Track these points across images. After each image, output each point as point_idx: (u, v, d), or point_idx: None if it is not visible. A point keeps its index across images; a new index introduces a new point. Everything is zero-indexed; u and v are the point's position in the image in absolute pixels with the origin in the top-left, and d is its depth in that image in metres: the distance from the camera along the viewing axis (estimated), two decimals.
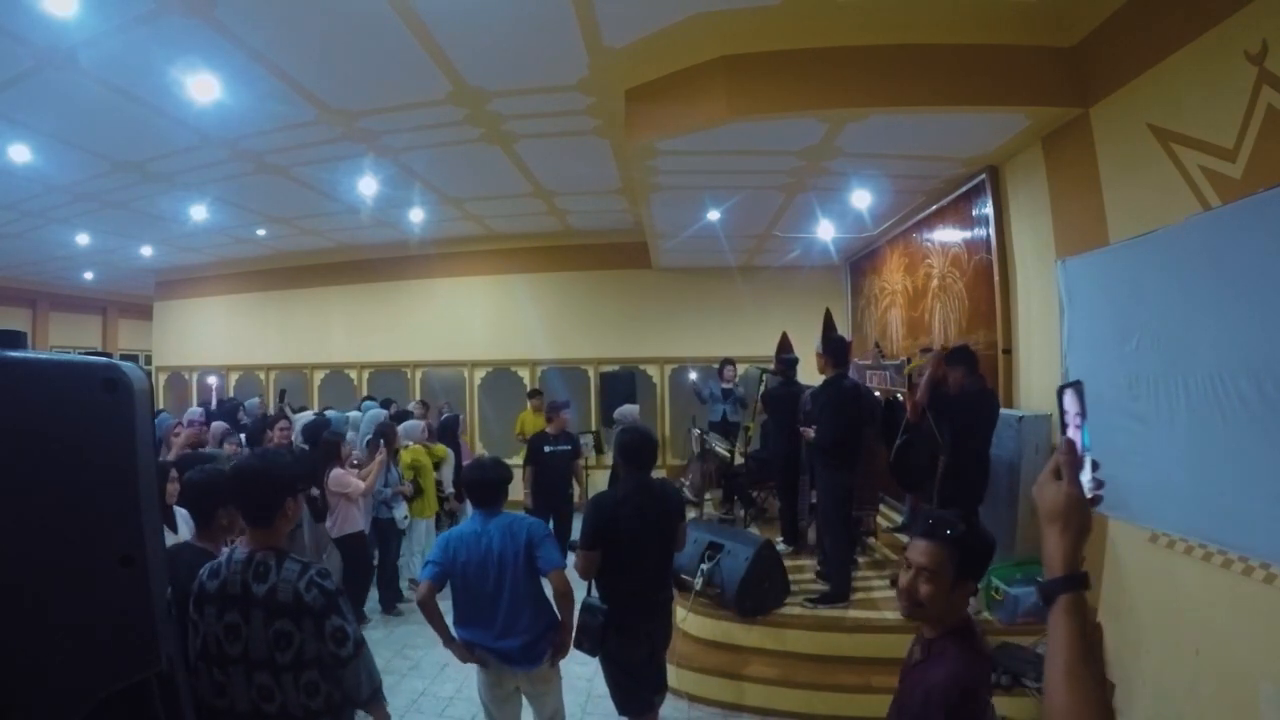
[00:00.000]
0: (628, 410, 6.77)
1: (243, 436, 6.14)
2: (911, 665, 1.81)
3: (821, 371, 4.80)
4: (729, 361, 8.12)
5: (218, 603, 2.02)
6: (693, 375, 9.28)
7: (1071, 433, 1.08)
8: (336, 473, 5.20)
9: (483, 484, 3.06)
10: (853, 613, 4.54)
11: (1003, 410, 4.82)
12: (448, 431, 7.53)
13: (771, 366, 6.51)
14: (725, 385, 8.00)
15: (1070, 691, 0.90)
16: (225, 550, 2.16)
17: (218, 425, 6.10)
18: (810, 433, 4.89)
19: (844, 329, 8.46)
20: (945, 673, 1.65)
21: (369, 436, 5.79)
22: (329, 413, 7.40)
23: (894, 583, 4.98)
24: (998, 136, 4.68)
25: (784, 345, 6.44)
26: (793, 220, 7.22)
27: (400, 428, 6.24)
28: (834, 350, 4.76)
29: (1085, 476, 1.01)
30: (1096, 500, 1.00)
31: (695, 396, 8.45)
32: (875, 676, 4.02)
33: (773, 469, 6.21)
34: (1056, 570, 0.97)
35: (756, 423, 7.49)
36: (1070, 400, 1.13)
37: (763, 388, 6.45)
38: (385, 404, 8.15)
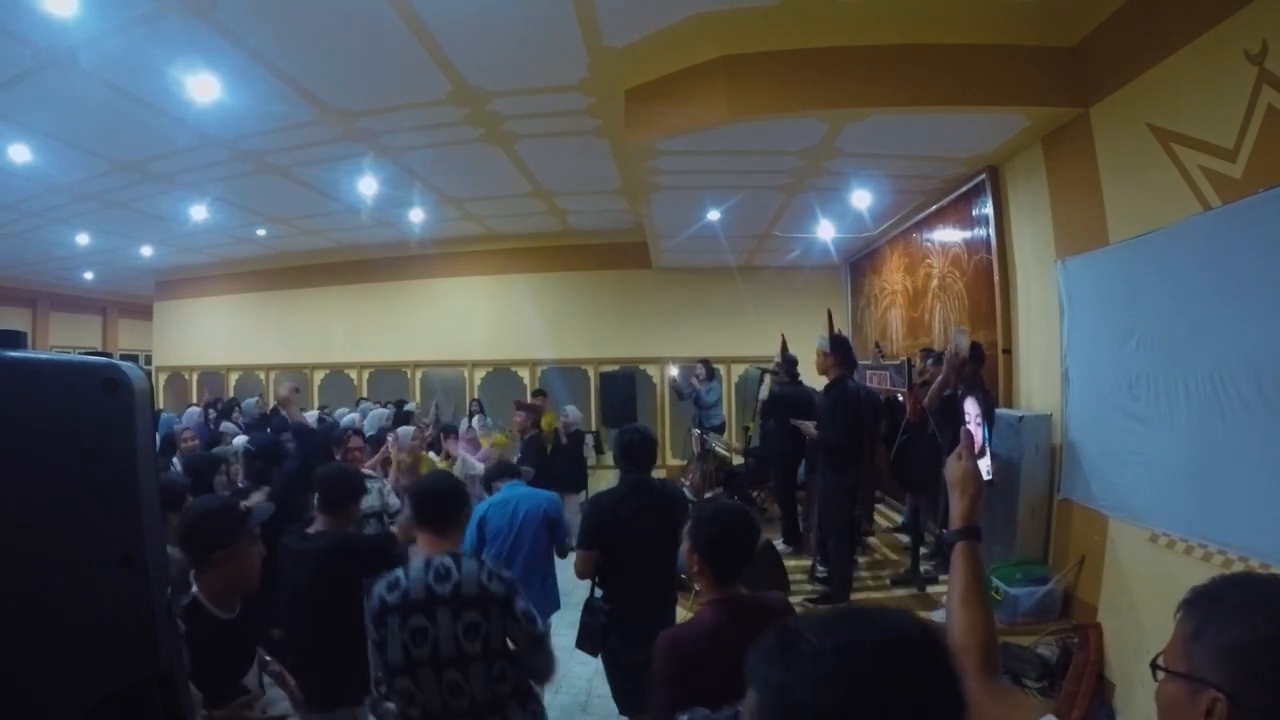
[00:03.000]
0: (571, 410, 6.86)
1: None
2: None
3: (823, 372, 4.80)
4: (704, 362, 7.92)
5: (401, 611, 2.04)
6: (674, 372, 9.00)
7: (973, 428, 1.51)
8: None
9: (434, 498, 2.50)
10: None
11: (1003, 410, 4.82)
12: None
13: (772, 367, 6.51)
14: (697, 386, 7.73)
15: (962, 613, 1.19)
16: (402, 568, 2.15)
17: (228, 426, 6.12)
18: (812, 427, 4.89)
19: (844, 329, 8.45)
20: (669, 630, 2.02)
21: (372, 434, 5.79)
22: (339, 414, 7.39)
23: (895, 582, 5.02)
24: (998, 136, 4.68)
25: (784, 347, 6.43)
26: (793, 220, 7.22)
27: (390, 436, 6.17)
28: (841, 352, 4.76)
29: (985, 463, 1.44)
30: (991, 482, 1.53)
31: (675, 394, 8.34)
32: None
33: (773, 469, 6.21)
34: (957, 523, 1.28)
35: (756, 423, 7.50)
36: (971, 404, 1.73)
37: (765, 389, 6.45)
38: (399, 404, 8.13)
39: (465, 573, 2.09)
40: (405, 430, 6.32)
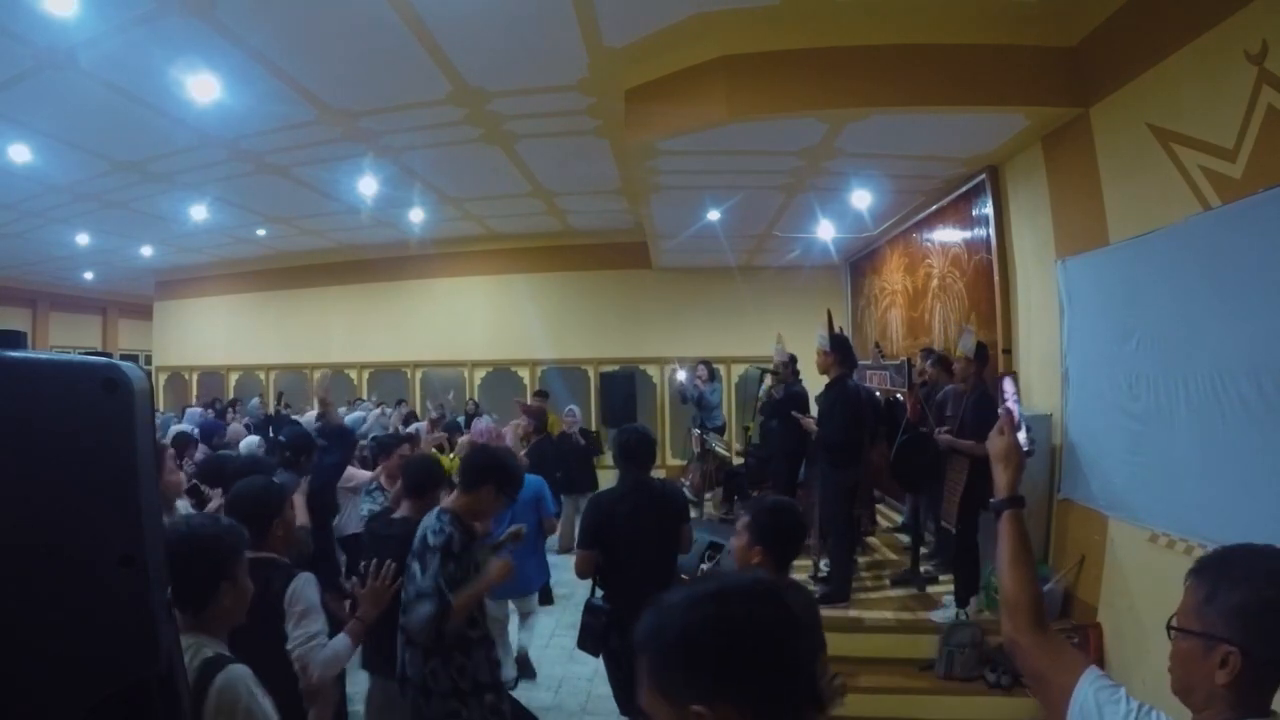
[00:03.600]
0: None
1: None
2: None
3: (824, 371, 4.80)
4: (705, 363, 7.86)
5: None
6: (680, 375, 8.72)
7: (1011, 405, 1.58)
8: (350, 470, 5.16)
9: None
10: (852, 612, 4.54)
11: None
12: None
13: (772, 366, 6.50)
14: (700, 387, 7.65)
15: (1013, 573, 1.31)
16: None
17: (236, 429, 6.13)
18: (812, 422, 4.89)
19: (844, 329, 8.43)
20: None
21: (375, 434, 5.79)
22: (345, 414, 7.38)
23: (895, 582, 5.02)
24: (998, 136, 4.68)
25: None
26: (793, 220, 7.22)
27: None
28: (841, 351, 4.78)
29: (1021, 436, 1.46)
30: (1030, 453, 1.48)
31: (680, 396, 8.26)
32: (874, 676, 4.02)
33: (773, 469, 6.20)
34: (1002, 494, 1.39)
35: (756, 422, 7.48)
36: (1009, 384, 1.70)
37: (768, 390, 6.43)
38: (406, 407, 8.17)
39: None
40: (481, 421, 6.13)
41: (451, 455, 5.95)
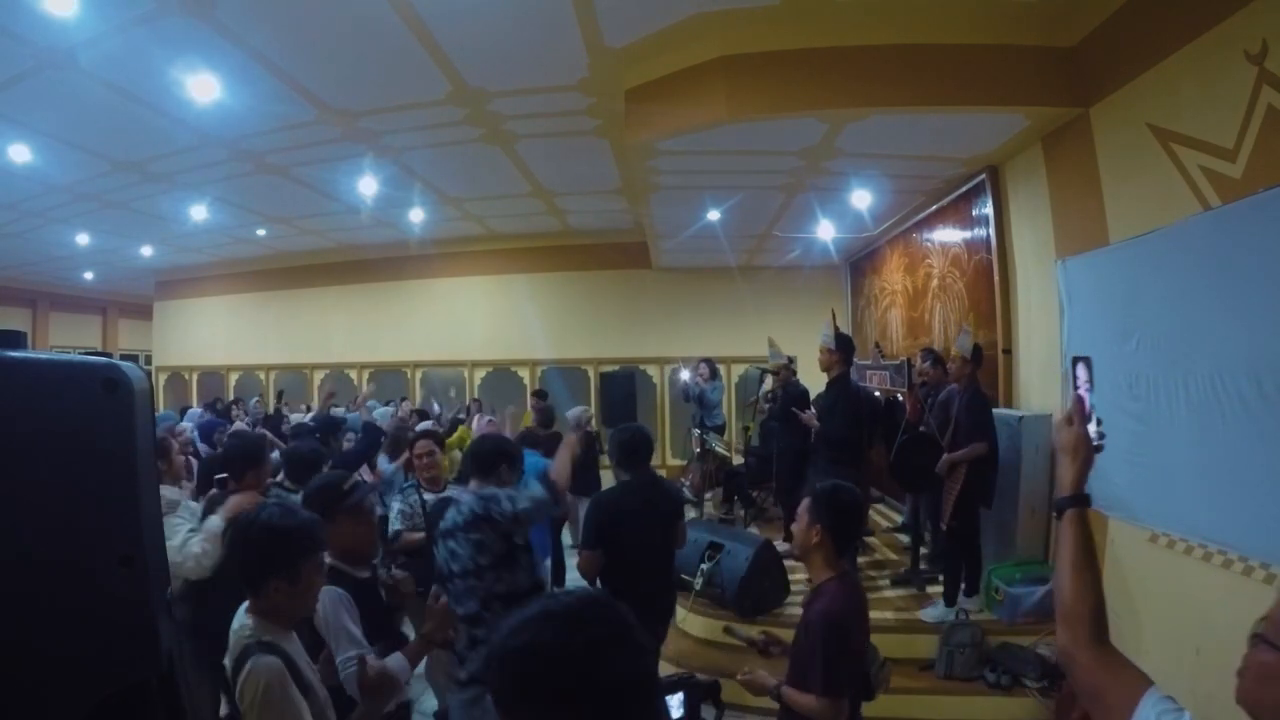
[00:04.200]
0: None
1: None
2: (803, 604, 2.28)
3: (826, 369, 4.83)
4: (707, 362, 7.92)
5: None
6: (684, 375, 8.86)
7: (1083, 392, 1.38)
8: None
9: None
10: None
11: (1003, 410, 4.82)
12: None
13: (771, 366, 6.50)
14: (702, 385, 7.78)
15: (1074, 580, 1.17)
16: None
17: (239, 428, 6.15)
18: (813, 418, 4.89)
19: (844, 329, 8.43)
20: (820, 608, 2.10)
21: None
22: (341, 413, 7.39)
23: (895, 582, 5.02)
24: (998, 136, 4.68)
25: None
26: (793, 220, 7.22)
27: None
28: (845, 350, 4.80)
29: (1091, 427, 1.30)
30: (1099, 447, 1.30)
31: (683, 395, 8.24)
32: None
33: (774, 468, 6.19)
34: (1067, 491, 1.25)
35: (756, 422, 7.48)
36: (1082, 370, 1.44)
37: (771, 389, 6.43)
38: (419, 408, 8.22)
39: None
40: (577, 411, 5.98)
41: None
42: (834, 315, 5.07)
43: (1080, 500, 1.24)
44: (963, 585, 4.40)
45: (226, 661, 1.66)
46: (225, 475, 3.11)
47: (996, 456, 4.37)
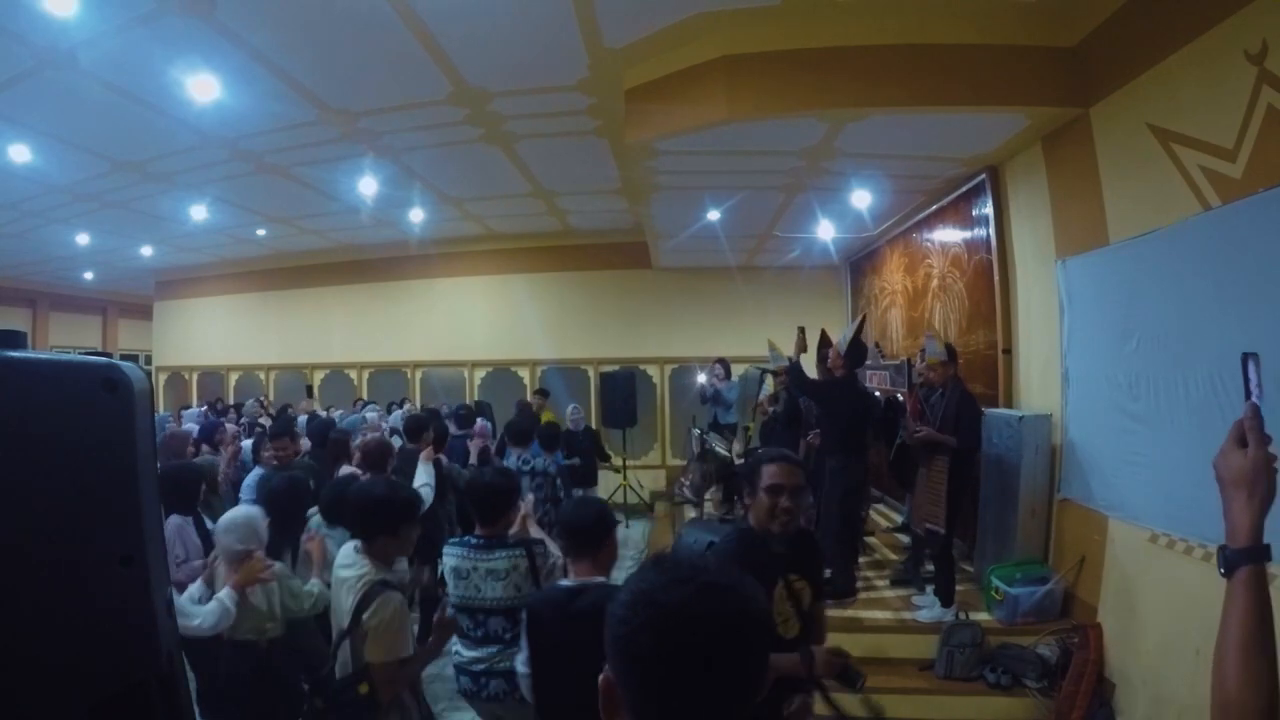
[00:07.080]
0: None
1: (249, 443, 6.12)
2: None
3: (834, 371, 4.86)
4: (721, 362, 8.00)
5: None
6: (701, 378, 8.61)
7: (1256, 400, 1.01)
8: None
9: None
10: (850, 611, 4.54)
11: (1003, 410, 4.83)
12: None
13: (771, 367, 6.50)
14: (718, 385, 7.84)
15: (1243, 668, 0.87)
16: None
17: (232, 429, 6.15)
18: (815, 440, 4.96)
19: (843, 329, 8.43)
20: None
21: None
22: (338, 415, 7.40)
23: (895, 581, 5.01)
24: (998, 136, 4.68)
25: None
26: (793, 220, 7.22)
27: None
28: (853, 358, 4.90)
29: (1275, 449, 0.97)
30: None
31: (700, 397, 8.30)
32: (874, 676, 3.98)
33: None
34: (1241, 540, 0.92)
35: (756, 423, 7.48)
36: (1253, 370, 1.05)
37: (774, 389, 6.44)
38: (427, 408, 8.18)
39: None
40: (481, 420, 6.11)
41: None
42: (864, 319, 5.10)
43: (1259, 554, 0.91)
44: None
45: (346, 594, 2.23)
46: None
47: (977, 454, 4.42)
